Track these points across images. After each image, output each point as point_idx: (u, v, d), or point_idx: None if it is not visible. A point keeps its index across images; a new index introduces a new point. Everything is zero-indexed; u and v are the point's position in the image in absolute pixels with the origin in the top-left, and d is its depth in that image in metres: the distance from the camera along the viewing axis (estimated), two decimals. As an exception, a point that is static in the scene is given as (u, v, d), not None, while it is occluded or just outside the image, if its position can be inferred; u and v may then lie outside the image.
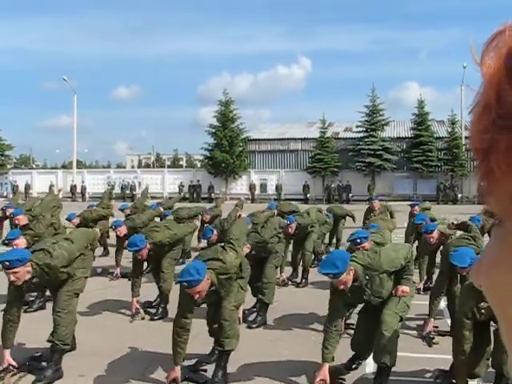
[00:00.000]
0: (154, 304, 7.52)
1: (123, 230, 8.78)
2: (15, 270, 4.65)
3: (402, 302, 4.83)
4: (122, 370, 5.00)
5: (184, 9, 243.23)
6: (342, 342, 5.32)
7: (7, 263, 4.62)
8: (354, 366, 4.95)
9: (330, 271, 4.38)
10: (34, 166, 65.47)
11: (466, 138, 32.11)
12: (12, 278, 4.67)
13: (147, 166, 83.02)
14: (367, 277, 4.65)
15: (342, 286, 4.46)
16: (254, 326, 6.70)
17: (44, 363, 5.08)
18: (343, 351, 5.20)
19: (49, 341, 5.03)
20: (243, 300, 5.15)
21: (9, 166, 46.60)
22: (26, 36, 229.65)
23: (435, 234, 7.39)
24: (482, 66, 0.48)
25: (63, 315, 5.05)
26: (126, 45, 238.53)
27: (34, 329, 6.00)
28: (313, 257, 10.07)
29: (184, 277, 4.48)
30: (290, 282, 9.22)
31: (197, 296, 4.55)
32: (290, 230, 8.82)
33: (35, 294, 7.11)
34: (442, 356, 5.26)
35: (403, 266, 4.78)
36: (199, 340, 5.60)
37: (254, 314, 7.02)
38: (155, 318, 7.06)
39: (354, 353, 5.10)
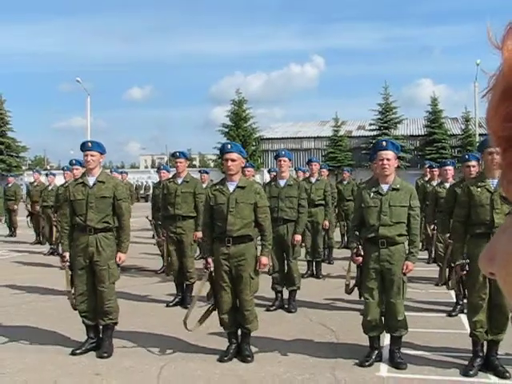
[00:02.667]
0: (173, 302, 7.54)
1: None
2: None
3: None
4: (139, 369, 5.02)
5: (197, 10, 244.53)
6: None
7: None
8: (367, 364, 4.92)
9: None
10: (49, 168, 66.02)
11: (480, 135, 31.82)
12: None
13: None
14: (398, 194, 5.00)
15: (385, 162, 4.89)
16: (293, 310, 7.04)
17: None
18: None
19: (104, 324, 5.48)
20: (257, 287, 5.33)
21: (24, 168, 47.07)
22: (41, 38, 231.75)
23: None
24: (503, 50, 0.46)
25: (112, 303, 5.52)
26: (139, 46, 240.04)
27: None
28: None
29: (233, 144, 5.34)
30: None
31: (229, 163, 5.11)
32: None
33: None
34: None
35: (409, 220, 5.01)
36: (213, 338, 5.64)
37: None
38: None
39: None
